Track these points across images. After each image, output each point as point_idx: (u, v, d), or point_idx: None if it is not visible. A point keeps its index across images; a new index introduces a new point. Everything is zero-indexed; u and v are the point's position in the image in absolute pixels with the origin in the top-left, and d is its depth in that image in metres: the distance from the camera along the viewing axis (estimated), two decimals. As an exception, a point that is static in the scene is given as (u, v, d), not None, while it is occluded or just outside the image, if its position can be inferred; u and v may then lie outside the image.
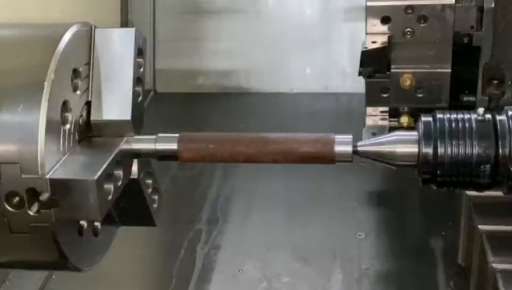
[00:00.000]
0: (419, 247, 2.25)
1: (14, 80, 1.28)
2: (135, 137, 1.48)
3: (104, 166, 1.31)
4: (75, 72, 1.33)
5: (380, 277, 2.17)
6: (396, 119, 2.20)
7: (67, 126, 1.31)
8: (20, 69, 1.29)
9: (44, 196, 1.23)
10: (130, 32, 1.44)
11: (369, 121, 2.19)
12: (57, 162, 1.27)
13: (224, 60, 3.54)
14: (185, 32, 3.53)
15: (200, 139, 1.51)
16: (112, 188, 1.36)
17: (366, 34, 2.05)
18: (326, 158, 1.48)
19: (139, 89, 1.47)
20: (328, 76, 3.41)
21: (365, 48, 2.05)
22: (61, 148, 1.29)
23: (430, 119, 1.52)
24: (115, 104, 1.43)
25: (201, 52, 3.55)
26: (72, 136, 1.33)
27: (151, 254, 2.27)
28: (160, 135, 1.50)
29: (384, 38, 2.04)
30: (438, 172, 1.49)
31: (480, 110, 1.50)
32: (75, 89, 1.34)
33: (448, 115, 1.52)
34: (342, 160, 1.50)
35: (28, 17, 1.43)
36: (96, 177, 1.27)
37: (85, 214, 1.30)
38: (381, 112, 2.18)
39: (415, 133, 1.51)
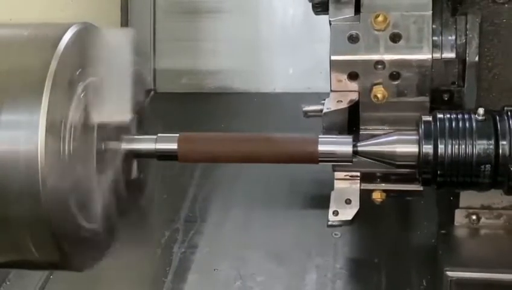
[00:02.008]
0: (395, 247, 2.25)
1: (14, 80, 1.28)
2: (135, 137, 1.48)
3: None
4: (75, 73, 1.33)
5: (355, 276, 2.18)
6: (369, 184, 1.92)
7: (68, 127, 1.31)
8: (20, 69, 1.29)
9: None
10: (129, 32, 1.45)
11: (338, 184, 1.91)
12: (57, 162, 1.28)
13: (207, 60, 3.53)
14: (175, 32, 3.53)
15: (200, 139, 1.51)
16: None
17: (331, 91, 1.78)
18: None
19: (139, 89, 1.48)
20: (311, 76, 3.40)
21: (328, 108, 1.74)
22: (61, 148, 1.29)
23: (430, 119, 1.52)
24: (115, 104, 1.43)
25: (187, 53, 3.54)
26: (72, 136, 1.33)
27: (126, 253, 2.27)
28: (160, 135, 1.50)
29: (352, 97, 1.75)
30: (438, 172, 1.49)
31: (481, 110, 1.50)
32: (75, 89, 1.34)
33: (448, 115, 1.52)
34: (342, 160, 1.50)
35: (28, 17, 1.43)
36: None
37: None
38: (351, 176, 1.91)
39: (415, 133, 1.52)
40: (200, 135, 1.53)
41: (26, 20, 1.40)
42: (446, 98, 1.78)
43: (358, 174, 1.86)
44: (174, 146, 1.48)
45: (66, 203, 1.30)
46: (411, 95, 1.74)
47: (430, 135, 1.49)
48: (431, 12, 1.73)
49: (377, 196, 1.87)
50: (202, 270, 2.22)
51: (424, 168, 1.50)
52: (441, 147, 1.48)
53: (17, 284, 2.20)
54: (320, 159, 1.50)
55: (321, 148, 1.49)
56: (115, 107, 1.44)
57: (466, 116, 1.51)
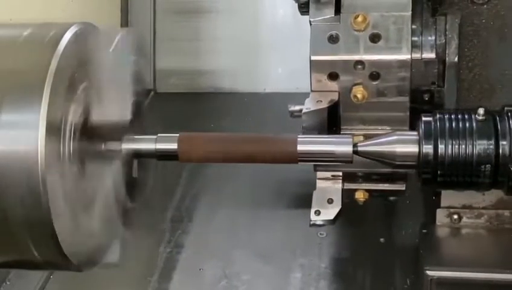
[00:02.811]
0: (380, 247, 2.25)
1: (14, 80, 1.28)
2: (135, 137, 1.48)
3: None
4: (75, 73, 1.33)
5: (339, 275, 2.18)
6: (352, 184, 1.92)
7: (68, 127, 1.31)
8: (20, 69, 1.29)
9: None
10: (130, 32, 1.45)
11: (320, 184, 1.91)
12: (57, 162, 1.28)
13: (196, 60, 3.53)
14: (175, 32, 3.53)
15: (200, 139, 1.51)
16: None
17: (311, 91, 1.77)
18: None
19: (139, 88, 1.48)
20: (300, 76, 3.39)
21: (307, 108, 1.72)
22: (61, 148, 1.29)
23: (431, 119, 1.52)
24: (115, 104, 1.43)
25: (174, 53, 3.54)
26: (72, 136, 1.33)
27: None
28: (160, 135, 1.50)
29: (332, 97, 1.74)
30: (439, 172, 1.49)
31: (481, 110, 1.50)
32: (75, 89, 1.34)
33: (448, 115, 1.52)
34: (342, 160, 1.50)
35: (28, 17, 1.43)
36: None
37: None
38: (333, 175, 1.90)
39: (415, 133, 1.52)
40: (200, 135, 1.53)
41: (26, 20, 1.40)
42: (426, 98, 1.77)
43: (341, 174, 1.86)
44: (174, 146, 1.48)
45: (66, 204, 1.30)
46: (391, 95, 1.73)
47: (430, 135, 1.49)
48: (410, 13, 1.73)
49: (360, 196, 1.88)
50: (188, 270, 2.23)
51: (424, 168, 1.50)
52: (441, 147, 1.48)
53: (17, 284, 2.20)
54: (320, 159, 1.50)
55: (321, 148, 1.49)
56: (115, 107, 1.44)
57: (466, 116, 1.51)
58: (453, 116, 1.52)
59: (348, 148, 1.47)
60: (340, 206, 1.85)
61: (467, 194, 1.84)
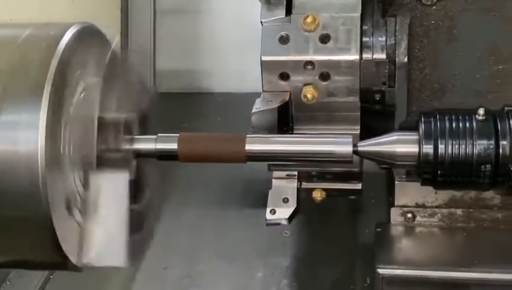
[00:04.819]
0: (343, 246, 2.26)
1: (14, 80, 1.27)
2: (135, 137, 1.48)
3: None
4: (75, 72, 1.33)
5: (301, 274, 2.20)
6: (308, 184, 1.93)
7: (68, 127, 1.31)
8: (20, 69, 1.28)
9: None
10: (129, 32, 1.45)
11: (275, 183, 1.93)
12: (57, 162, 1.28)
13: (175, 60, 3.53)
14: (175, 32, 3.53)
15: (200, 139, 1.51)
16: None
17: (263, 91, 1.77)
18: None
19: (139, 89, 1.48)
20: None
21: (257, 108, 1.72)
22: (61, 148, 1.29)
23: (431, 119, 1.53)
24: (115, 105, 1.43)
25: (174, 53, 3.54)
26: (72, 136, 1.32)
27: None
28: (160, 134, 1.50)
29: (283, 97, 1.73)
30: (439, 172, 1.49)
31: (481, 110, 1.51)
32: (75, 89, 1.34)
33: (448, 115, 1.52)
34: (342, 160, 1.50)
35: (28, 17, 1.43)
36: None
37: None
38: (287, 175, 1.91)
39: (415, 133, 1.52)
40: (201, 135, 1.53)
41: (26, 20, 1.40)
42: (378, 98, 1.78)
43: (296, 173, 1.88)
44: (174, 146, 1.48)
45: (66, 203, 1.30)
46: (341, 95, 1.74)
47: (430, 134, 1.50)
48: (359, 14, 1.73)
49: (317, 195, 1.89)
50: (152, 269, 2.23)
51: (424, 168, 1.50)
52: (441, 147, 1.48)
53: (17, 284, 2.20)
54: (320, 159, 1.51)
55: (321, 148, 1.49)
56: (115, 107, 1.44)
57: (466, 116, 1.51)
58: (453, 116, 1.52)
59: (348, 148, 1.47)
60: (295, 205, 1.88)
61: (420, 193, 1.86)
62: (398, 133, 1.53)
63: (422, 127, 1.51)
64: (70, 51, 1.30)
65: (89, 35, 1.38)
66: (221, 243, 2.31)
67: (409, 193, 1.87)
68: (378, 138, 1.52)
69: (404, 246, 1.89)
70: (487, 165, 1.47)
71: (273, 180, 1.90)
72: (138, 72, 1.52)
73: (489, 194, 1.84)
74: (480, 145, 1.48)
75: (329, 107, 1.75)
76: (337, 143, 1.48)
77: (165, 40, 3.51)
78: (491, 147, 1.47)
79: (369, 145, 1.50)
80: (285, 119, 1.75)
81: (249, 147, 1.46)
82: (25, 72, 1.27)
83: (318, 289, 2.12)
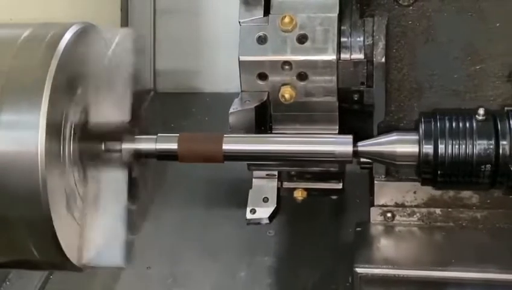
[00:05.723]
0: (327, 245, 2.26)
1: (14, 80, 1.28)
2: (135, 137, 1.48)
3: None
4: (75, 73, 1.33)
5: (285, 273, 2.20)
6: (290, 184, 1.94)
7: (68, 127, 1.31)
8: (20, 69, 1.29)
9: None
10: (129, 32, 1.45)
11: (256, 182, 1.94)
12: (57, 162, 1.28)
13: (162, 60, 3.53)
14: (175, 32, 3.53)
15: (200, 139, 1.51)
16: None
17: (241, 91, 1.76)
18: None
19: (139, 88, 1.48)
20: None
21: (234, 108, 1.72)
22: (61, 148, 1.29)
23: (431, 119, 1.53)
24: (115, 104, 1.43)
25: (174, 53, 3.54)
26: (72, 136, 1.33)
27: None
28: (160, 134, 1.50)
29: (261, 97, 1.73)
30: (439, 172, 1.49)
31: (481, 110, 1.50)
32: (75, 89, 1.34)
33: (448, 115, 1.52)
34: (342, 160, 1.50)
35: (28, 17, 1.43)
36: None
37: None
38: (267, 174, 1.92)
39: (416, 133, 1.52)
40: (200, 135, 1.53)
41: (26, 20, 1.40)
42: (356, 98, 1.77)
43: (276, 172, 1.89)
44: (174, 146, 1.48)
45: (66, 203, 1.30)
46: (319, 95, 1.74)
47: (430, 134, 1.50)
48: (337, 14, 1.74)
49: (298, 194, 1.90)
50: (135, 269, 2.23)
51: (424, 168, 1.50)
52: (441, 147, 1.48)
53: (17, 284, 2.20)
54: (319, 159, 1.51)
55: (321, 148, 1.49)
56: (115, 107, 1.44)
57: (466, 116, 1.51)
58: (453, 116, 1.52)
59: (348, 148, 1.47)
60: (275, 205, 1.89)
61: (400, 193, 1.87)
62: (398, 133, 1.53)
63: (422, 127, 1.51)
64: (70, 51, 1.30)
65: (88, 35, 1.38)
66: (205, 243, 2.32)
67: (388, 193, 1.88)
68: (378, 137, 1.52)
69: (383, 245, 1.89)
70: (487, 165, 1.47)
71: (254, 180, 1.91)
72: (137, 72, 1.53)
73: (467, 193, 1.85)
74: (480, 145, 1.48)
75: (308, 107, 1.75)
76: (337, 143, 1.48)
77: (164, 40, 3.51)
78: (491, 147, 1.47)
79: (369, 145, 1.50)
80: (263, 119, 1.75)
81: (226, 146, 1.48)
82: (25, 72, 1.28)
83: (301, 288, 2.12)
